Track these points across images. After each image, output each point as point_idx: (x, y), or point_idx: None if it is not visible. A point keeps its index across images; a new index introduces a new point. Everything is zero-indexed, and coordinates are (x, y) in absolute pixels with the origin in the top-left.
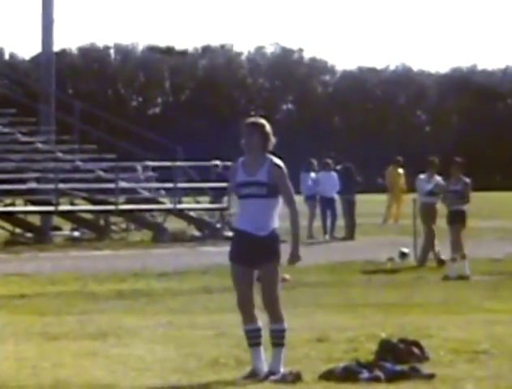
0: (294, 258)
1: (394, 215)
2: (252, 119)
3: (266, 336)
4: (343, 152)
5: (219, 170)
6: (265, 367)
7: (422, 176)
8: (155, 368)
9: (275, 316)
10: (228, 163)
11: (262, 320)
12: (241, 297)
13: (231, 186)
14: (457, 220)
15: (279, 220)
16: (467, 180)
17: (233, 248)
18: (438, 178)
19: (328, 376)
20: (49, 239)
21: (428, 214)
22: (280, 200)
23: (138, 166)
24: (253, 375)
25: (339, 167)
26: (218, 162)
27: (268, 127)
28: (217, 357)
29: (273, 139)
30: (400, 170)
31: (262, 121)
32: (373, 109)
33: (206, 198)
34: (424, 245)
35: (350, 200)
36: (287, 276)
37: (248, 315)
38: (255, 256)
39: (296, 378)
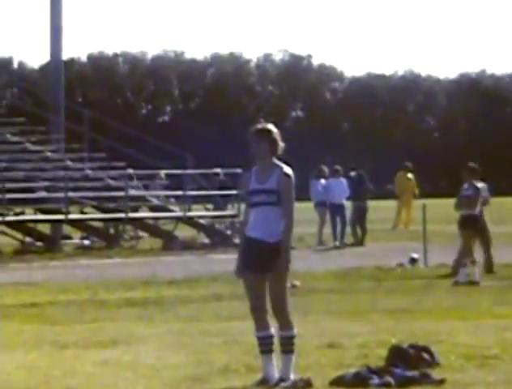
0: (282, 270)
1: (404, 221)
2: (259, 126)
3: (276, 343)
4: (353, 159)
5: (221, 178)
6: (276, 374)
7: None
8: (165, 375)
9: (284, 322)
10: (233, 170)
11: (274, 327)
12: (253, 305)
13: (243, 194)
14: (468, 225)
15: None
16: (480, 185)
17: (243, 256)
18: (481, 185)
19: (339, 382)
20: (59, 248)
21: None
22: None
23: (162, 173)
24: (265, 382)
25: (352, 173)
26: (219, 170)
27: (276, 132)
28: (228, 364)
29: (282, 144)
30: (410, 175)
31: (269, 126)
32: (382, 115)
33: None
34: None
35: (362, 207)
36: (297, 283)
37: (261, 322)
38: (266, 263)
39: (307, 384)
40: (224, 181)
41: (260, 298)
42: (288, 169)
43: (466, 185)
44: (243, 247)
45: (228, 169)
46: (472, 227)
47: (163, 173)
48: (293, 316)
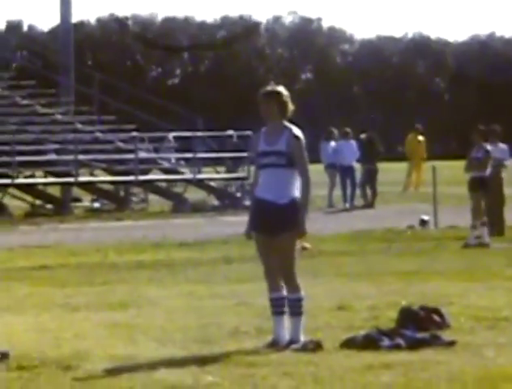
0: (300, 231)
1: (415, 182)
2: (269, 88)
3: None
4: (363, 121)
5: (234, 140)
6: (286, 336)
7: (476, 147)
8: (176, 338)
9: (292, 285)
10: (244, 133)
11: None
12: (266, 266)
13: (252, 156)
14: (477, 187)
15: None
16: (489, 147)
17: (254, 217)
18: (503, 146)
19: (349, 344)
20: (70, 210)
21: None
22: None
23: (170, 136)
24: (275, 344)
25: (363, 135)
26: (232, 132)
27: (286, 94)
28: (238, 327)
29: (291, 106)
30: (420, 137)
31: (279, 88)
32: (392, 77)
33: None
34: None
35: (372, 169)
36: (307, 245)
37: (274, 284)
38: (275, 224)
39: (317, 346)
40: (237, 144)
41: (272, 259)
42: (297, 131)
43: (476, 148)
44: (253, 209)
45: (238, 131)
46: (482, 189)
47: (171, 135)
48: (303, 278)
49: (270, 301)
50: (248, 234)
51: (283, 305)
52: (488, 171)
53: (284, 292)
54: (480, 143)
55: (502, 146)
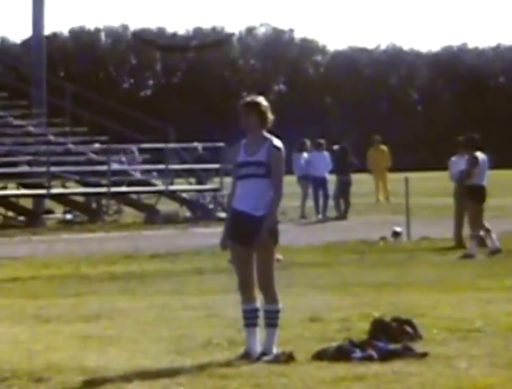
0: (261, 241)
1: (383, 193)
2: (248, 99)
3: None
4: (335, 132)
5: (200, 152)
6: (258, 348)
7: (454, 158)
8: (148, 349)
9: (270, 297)
10: (216, 144)
11: (260, 301)
12: (241, 277)
13: (231, 167)
14: (468, 196)
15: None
16: (454, 158)
17: (230, 228)
18: (456, 158)
19: (321, 356)
20: (42, 222)
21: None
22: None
23: (134, 148)
24: (247, 356)
25: (336, 147)
26: (198, 144)
27: (265, 105)
28: (210, 338)
29: (271, 116)
30: (383, 147)
31: (258, 99)
32: (364, 88)
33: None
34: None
35: (345, 181)
36: (279, 256)
37: (248, 295)
38: (252, 236)
39: (289, 358)
40: (204, 155)
41: (247, 270)
42: (277, 142)
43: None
44: (230, 219)
45: (210, 143)
46: (476, 198)
47: (135, 147)
48: (276, 290)
49: (244, 312)
50: (223, 245)
51: (255, 316)
52: (476, 179)
53: (257, 304)
54: (469, 152)
55: (458, 158)
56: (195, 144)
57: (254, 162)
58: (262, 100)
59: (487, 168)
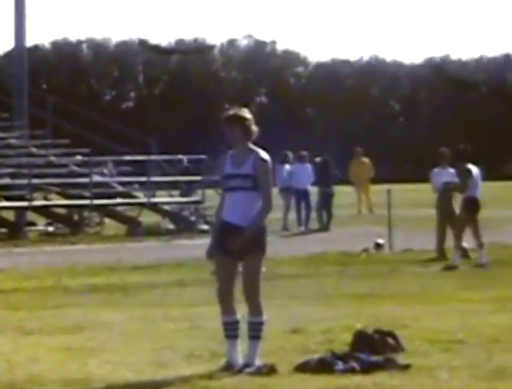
0: (235, 243)
1: (366, 204)
2: (231, 112)
3: (242, 328)
4: (317, 144)
5: (185, 164)
6: (240, 360)
7: (436, 169)
8: (130, 361)
9: (254, 308)
10: (198, 156)
11: (240, 312)
12: (221, 288)
13: (219, 179)
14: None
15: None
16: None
17: (218, 239)
18: (451, 170)
19: (303, 368)
20: (24, 234)
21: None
22: None
23: (109, 160)
24: (229, 368)
25: (318, 159)
26: (181, 156)
27: (248, 117)
28: (192, 350)
29: (255, 128)
30: (365, 159)
31: (241, 112)
32: (346, 100)
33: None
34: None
35: (328, 192)
36: (263, 268)
37: (227, 307)
38: (240, 248)
39: (271, 370)
40: (188, 168)
41: (229, 282)
42: (263, 154)
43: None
44: (217, 230)
45: (192, 155)
46: (470, 209)
47: (110, 160)
48: (261, 301)
49: (224, 324)
50: (209, 255)
51: (236, 328)
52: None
53: (238, 316)
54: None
55: (451, 170)
56: (180, 156)
57: (241, 175)
58: (245, 112)
59: (480, 180)
